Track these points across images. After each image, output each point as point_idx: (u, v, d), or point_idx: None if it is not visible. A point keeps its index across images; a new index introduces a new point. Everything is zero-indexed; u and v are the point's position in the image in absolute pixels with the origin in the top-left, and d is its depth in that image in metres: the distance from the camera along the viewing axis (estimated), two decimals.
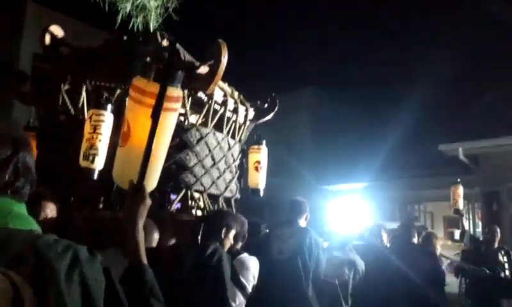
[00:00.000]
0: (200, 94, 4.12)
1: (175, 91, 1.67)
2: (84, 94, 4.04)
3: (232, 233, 3.17)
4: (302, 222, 4.29)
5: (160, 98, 1.53)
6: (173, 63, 1.70)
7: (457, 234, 16.81)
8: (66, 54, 4.22)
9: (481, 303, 6.31)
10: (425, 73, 15.36)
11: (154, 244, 2.98)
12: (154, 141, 1.52)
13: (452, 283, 10.31)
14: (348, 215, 6.04)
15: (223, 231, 3.09)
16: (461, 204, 6.59)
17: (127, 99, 1.84)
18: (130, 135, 1.69)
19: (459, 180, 6.68)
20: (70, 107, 4.12)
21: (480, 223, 12.29)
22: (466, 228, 14.42)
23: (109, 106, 3.41)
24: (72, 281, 1.04)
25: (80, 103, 4.05)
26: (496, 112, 10.46)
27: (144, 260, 1.44)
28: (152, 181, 1.70)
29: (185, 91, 3.86)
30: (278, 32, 22.74)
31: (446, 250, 11.56)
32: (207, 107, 4.27)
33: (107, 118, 3.37)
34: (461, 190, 6.54)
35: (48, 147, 4.05)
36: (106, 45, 4.24)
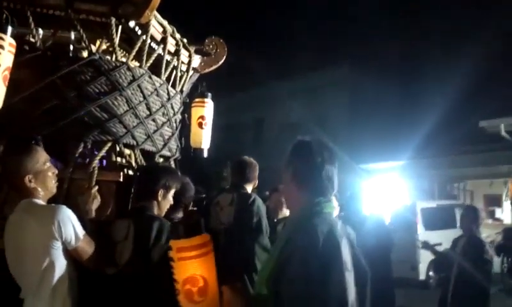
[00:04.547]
0: (133, 25, 3.36)
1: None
2: None
3: (171, 192, 2.75)
4: (249, 189, 3.79)
5: None
6: None
7: (498, 212, 16.45)
8: None
9: None
10: (465, 47, 14.87)
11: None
12: None
13: (494, 263, 10.10)
14: (385, 194, 5.95)
15: (160, 192, 2.66)
16: None
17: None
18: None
19: None
20: None
21: None
22: (509, 207, 14.04)
23: (10, 29, 2.46)
24: None
25: None
26: None
27: None
28: None
29: (114, 20, 3.18)
30: (313, 7, 22.40)
31: (487, 229, 11.35)
32: (141, 41, 3.41)
33: (7, 43, 2.46)
34: None
35: None
36: None
